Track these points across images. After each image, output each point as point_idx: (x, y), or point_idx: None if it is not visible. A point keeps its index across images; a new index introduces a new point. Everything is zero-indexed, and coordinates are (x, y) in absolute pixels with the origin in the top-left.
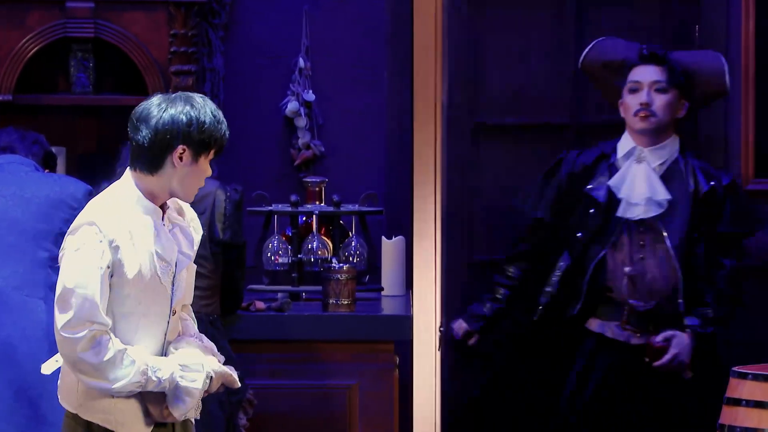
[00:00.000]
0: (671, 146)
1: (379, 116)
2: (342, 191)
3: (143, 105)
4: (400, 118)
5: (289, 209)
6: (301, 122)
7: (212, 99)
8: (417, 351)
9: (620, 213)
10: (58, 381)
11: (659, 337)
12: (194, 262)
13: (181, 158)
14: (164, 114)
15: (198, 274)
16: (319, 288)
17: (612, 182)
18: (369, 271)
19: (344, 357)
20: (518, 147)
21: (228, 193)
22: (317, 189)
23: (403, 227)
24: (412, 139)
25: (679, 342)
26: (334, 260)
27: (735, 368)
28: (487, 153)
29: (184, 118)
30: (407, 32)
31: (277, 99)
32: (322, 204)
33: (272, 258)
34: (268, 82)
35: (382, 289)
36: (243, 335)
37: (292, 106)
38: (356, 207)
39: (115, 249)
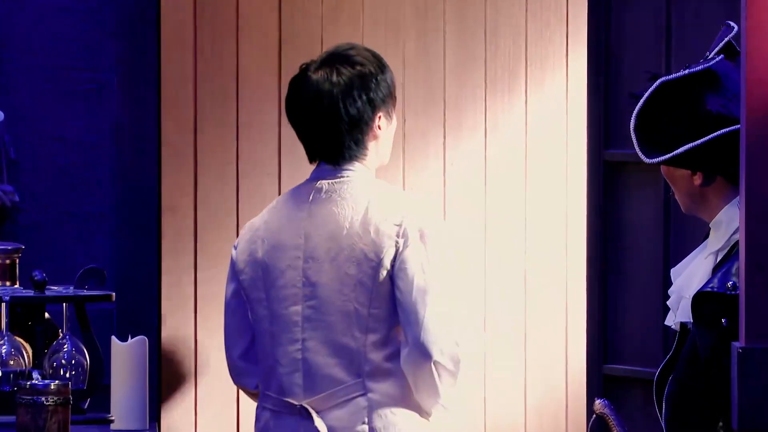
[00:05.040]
0: (728, 218)
1: (107, 146)
2: (48, 265)
3: None
4: (140, 149)
5: None
6: None
7: None
8: None
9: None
10: None
11: None
12: None
13: None
14: None
15: None
16: (12, 418)
17: (674, 270)
18: (91, 392)
19: None
20: None
21: None
22: (8, 262)
23: (146, 322)
24: (159, 180)
25: None
26: (35, 374)
27: None
28: None
29: None
30: (150, 19)
31: None
32: (17, 285)
33: None
34: None
35: (112, 420)
36: None
37: None
38: (71, 290)
39: None
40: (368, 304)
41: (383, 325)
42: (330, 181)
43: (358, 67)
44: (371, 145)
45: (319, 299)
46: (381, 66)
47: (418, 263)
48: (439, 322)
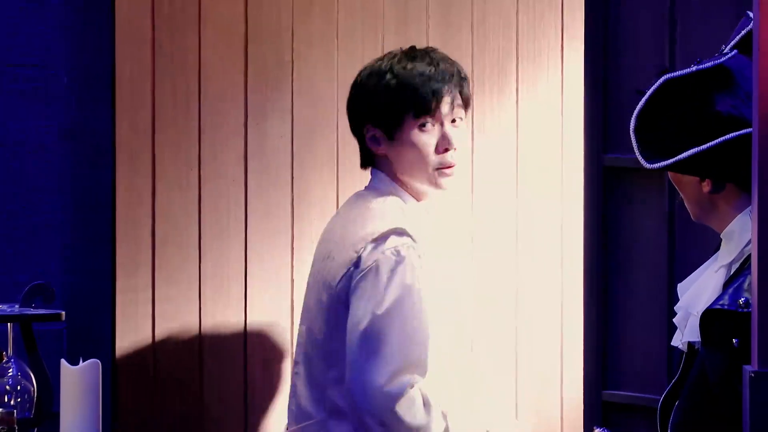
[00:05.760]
0: (740, 228)
1: (55, 150)
2: None
3: None
4: (92, 153)
5: None
6: None
7: None
8: None
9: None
10: None
11: None
12: None
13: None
14: None
15: None
16: None
17: (681, 285)
18: (38, 420)
19: None
20: None
21: None
22: None
23: (99, 343)
24: (113, 188)
25: None
26: None
27: None
28: None
29: None
30: (104, 10)
31: None
32: None
33: None
34: None
35: None
36: None
37: None
38: (15, 308)
39: (428, 268)
40: (329, 335)
41: (342, 361)
42: (361, 191)
43: (366, 73)
44: (380, 158)
45: (309, 322)
46: (387, 81)
47: (365, 300)
48: (369, 380)
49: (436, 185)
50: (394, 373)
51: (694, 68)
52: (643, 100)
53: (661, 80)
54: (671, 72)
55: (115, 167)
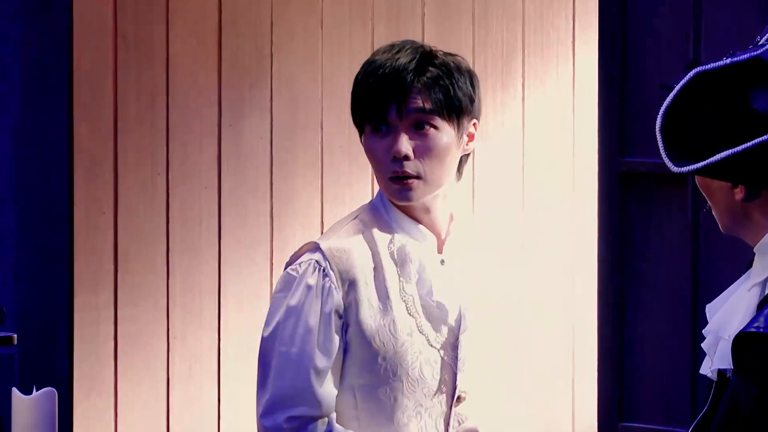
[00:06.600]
0: None
1: (6, 154)
2: None
3: None
4: (47, 157)
5: None
6: None
7: None
8: None
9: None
10: None
11: None
12: None
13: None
14: None
15: None
16: None
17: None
18: None
19: None
20: None
21: None
22: None
23: (54, 370)
24: (71, 196)
25: None
26: None
27: None
28: None
29: None
30: (60, 14)
31: None
32: None
33: None
34: None
35: None
36: None
37: None
38: None
39: (351, 287)
40: None
41: None
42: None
43: None
44: None
45: None
46: (355, 78)
47: None
48: (256, 410)
49: (392, 196)
50: (270, 404)
51: (727, 61)
52: (672, 95)
53: (691, 74)
54: (701, 65)
55: (72, 172)
